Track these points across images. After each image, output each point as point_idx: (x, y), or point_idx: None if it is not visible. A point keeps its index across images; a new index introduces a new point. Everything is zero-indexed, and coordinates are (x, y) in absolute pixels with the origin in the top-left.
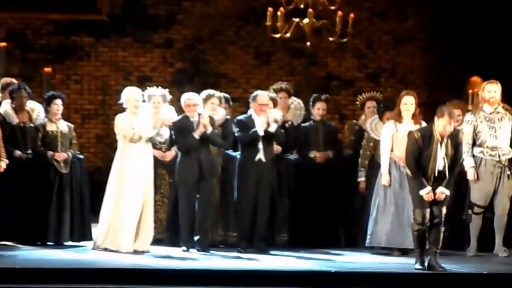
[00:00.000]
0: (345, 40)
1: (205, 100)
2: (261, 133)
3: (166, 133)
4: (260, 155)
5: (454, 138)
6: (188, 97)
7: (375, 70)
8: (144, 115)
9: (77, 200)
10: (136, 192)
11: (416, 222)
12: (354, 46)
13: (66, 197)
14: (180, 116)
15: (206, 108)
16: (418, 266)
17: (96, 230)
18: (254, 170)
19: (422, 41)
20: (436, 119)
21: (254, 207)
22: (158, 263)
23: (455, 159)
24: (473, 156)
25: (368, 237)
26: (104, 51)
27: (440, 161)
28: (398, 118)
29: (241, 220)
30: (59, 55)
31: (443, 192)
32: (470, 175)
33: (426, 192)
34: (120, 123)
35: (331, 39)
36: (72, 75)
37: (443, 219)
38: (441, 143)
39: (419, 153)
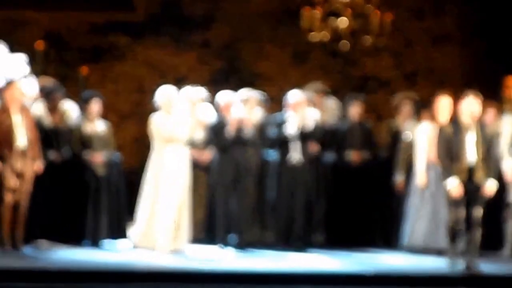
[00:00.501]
0: (382, 40)
1: (244, 101)
2: (293, 132)
3: (203, 133)
4: (296, 155)
5: (483, 128)
6: (223, 97)
7: (411, 70)
8: (180, 115)
9: (114, 200)
10: (172, 192)
11: (450, 221)
12: (391, 45)
13: (103, 198)
14: (216, 116)
15: (245, 108)
16: (451, 267)
17: (133, 230)
18: (290, 170)
19: (459, 40)
20: (461, 105)
21: (290, 207)
22: (194, 263)
23: (489, 152)
24: None
25: (406, 237)
26: (140, 51)
27: (472, 150)
28: (434, 118)
29: (278, 219)
30: (95, 55)
31: (491, 185)
32: (510, 175)
33: (453, 185)
34: (155, 123)
35: (367, 38)
36: (108, 75)
37: (479, 220)
38: (470, 131)
39: (449, 146)
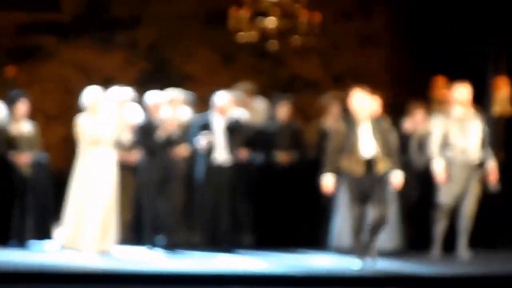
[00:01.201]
0: (310, 40)
1: (170, 101)
2: (218, 133)
3: (130, 134)
4: (220, 156)
5: (379, 122)
6: (151, 97)
7: (339, 71)
8: (107, 116)
9: (41, 201)
10: (99, 193)
11: (352, 219)
12: (319, 46)
13: (29, 198)
14: (144, 117)
15: (171, 109)
16: (358, 266)
17: (60, 231)
18: (215, 171)
19: (386, 42)
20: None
21: (216, 208)
22: (122, 264)
23: (388, 144)
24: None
25: (334, 238)
26: (67, 52)
27: (367, 144)
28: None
29: (204, 221)
30: (22, 55)
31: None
32: (439, 176)
33: (325, 180)
34: (80, 124)
35: (295, 39)
36: (35, 76)
37: (383, 216)
38: (362, 125)
39: (341, 141)
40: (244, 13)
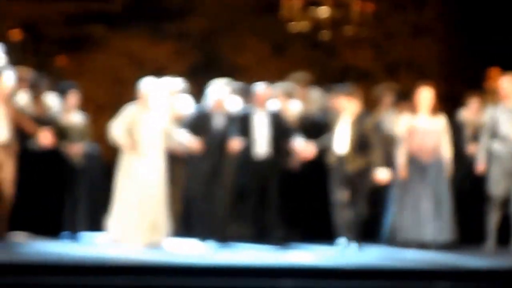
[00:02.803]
0: (363, 31)
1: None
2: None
3: (179, 125)
4: (262, 149)
5: (359, 121)
6: (216, 90)
7: (392, 61)
8: (157, 107)
9: (92, 192)
10: (147, 185)
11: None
12: (372, 36)
13: (81, 189)
14: (197, 108)
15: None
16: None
17: (110, 223)
18: (256, 166)
19: (440, 32)
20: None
21: (263, 201)
22: (173, 257)
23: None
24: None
25: (387, 230)
26: (117, 42)
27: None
28: (415, 111)
29: (253, 214)
30: (72, 45)
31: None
32: (478, 166)
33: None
34: (122, 113)
35: (348, 29)
36: (86, 66)
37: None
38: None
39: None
40: (296, 3)
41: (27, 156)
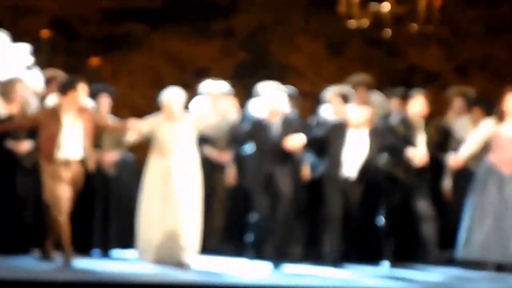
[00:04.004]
0: (430, 28)
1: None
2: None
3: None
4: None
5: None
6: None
7: (463, 62)
8: (183, 116)
9: (126, 205)
10: (176, 198)
11: None
12: (440, 34)
13: (113, 202)
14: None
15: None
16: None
17: (139, 239)
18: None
19: None
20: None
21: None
22: (203, 277)
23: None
24: None
25: (460, 248)
26: (157, 41)
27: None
28: (501, 118)
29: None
30: (108, 45)
31: None
32: None
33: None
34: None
35: (413, 26)
36: (122, 67)
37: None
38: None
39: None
40: None
41: None
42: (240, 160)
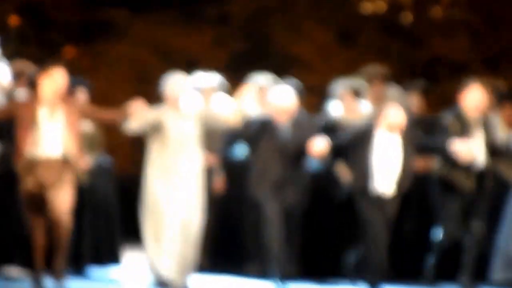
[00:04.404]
0: (456, 13)
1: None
2: None
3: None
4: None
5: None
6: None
7: (493, 52)
8: (189, 108)
9: (102, 216)
10: (182, 207)
11: None
12: (467, 21)
13: (87, 214)
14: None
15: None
16: None
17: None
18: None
19: None
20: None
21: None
22: None
23: None
24: None
25: (497, 269)
26: (142, 29)
27: None
28: None
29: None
30: (86, 33)
31: None
32: None
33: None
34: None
35: (437, 10)
36: (102, 59)
37: None
38: None
39: None
40: None
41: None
42: (229, 166)
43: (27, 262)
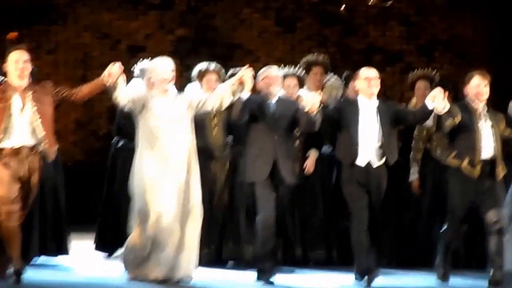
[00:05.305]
0: (389, 3)
1: (199, 77)
2: None
3: None
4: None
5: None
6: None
7: (427, 42)
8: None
9: (49, 205)
10: (170, 194)
11: None
12: (402, 10)
13: (35, 204)
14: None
15: (202, 87)
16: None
17: (124, 252)
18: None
19: (484, 7)
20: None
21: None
22: None
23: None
24: None
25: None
26: (85, 13)
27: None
28: None
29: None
30: (26, 17)
31: None
32: None
33: None
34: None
35: (371, 2)
36: (44, 43)
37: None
38: None
39: None
40: None
41: None
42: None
43: None
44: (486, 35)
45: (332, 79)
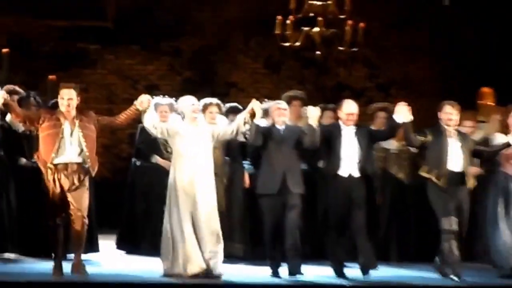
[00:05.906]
0: (355, 49)
1: (203, 109)
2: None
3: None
4: None
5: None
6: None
7: (385, 80)
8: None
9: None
10: (189, 202)
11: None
12: (365, 55)
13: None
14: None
15: (206, 118)
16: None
17: (162, 252)
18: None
19: (434, 52)
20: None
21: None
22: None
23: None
24: None
25: (499, 255)
26: (110, 59)
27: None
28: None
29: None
30: (64, 62)
31: None
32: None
33: None
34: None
35: (341, 48)
36: (78, 83)
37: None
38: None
39: None
40: (289, 22)
41: (19, 172)
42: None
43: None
44: (435, 74)
45: (309, 110)
